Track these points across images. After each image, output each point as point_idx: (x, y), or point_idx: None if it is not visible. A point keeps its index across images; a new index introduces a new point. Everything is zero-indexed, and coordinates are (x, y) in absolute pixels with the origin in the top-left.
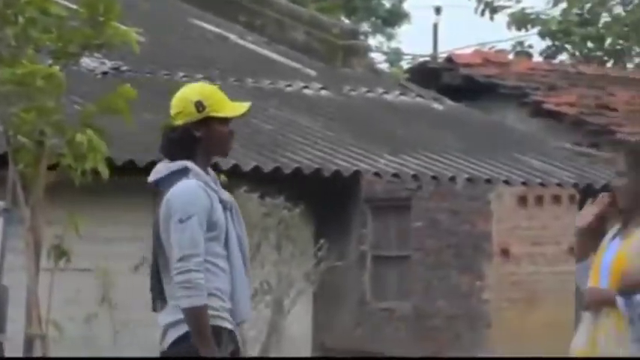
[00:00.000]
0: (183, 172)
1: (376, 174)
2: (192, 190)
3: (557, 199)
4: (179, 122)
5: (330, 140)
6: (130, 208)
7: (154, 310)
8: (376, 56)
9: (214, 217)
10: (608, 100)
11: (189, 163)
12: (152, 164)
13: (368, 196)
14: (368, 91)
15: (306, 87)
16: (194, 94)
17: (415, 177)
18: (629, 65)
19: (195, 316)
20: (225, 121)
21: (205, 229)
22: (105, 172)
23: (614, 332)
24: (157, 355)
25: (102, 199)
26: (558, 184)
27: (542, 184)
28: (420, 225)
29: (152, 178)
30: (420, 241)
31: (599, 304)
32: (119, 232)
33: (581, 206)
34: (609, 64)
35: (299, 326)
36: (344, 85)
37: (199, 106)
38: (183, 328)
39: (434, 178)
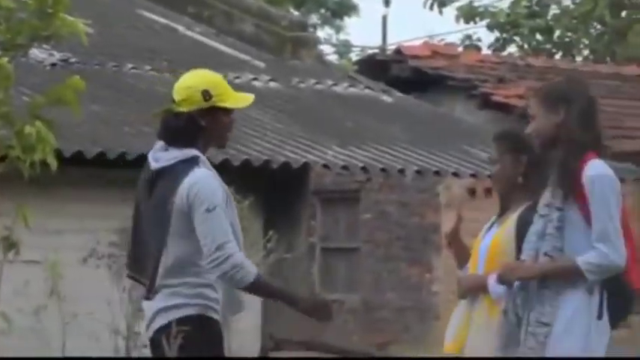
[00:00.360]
0: (194, 161)
1: (325, 166)
2: (212, 180)
3: None
4: (184, 109)
5: (279, 132)
6: (79, 200)
7: (147, 298)
8: (325, 48)
9: (226, 208)
10: None
11: (198, 152)
12: (101, 155)
13: (317, 188)
14: (317, 83)
15: (255, 79)
16: (201, 83)
17: (364, 169)
18: (578, 58)
19: (258, 288)
20: (229, 111)
21: None
22: (54, 163)
23: (485, 319)
24: (101, 345)
25: (51, 191)
26: None
27: (490, 177)
28: (369, 217)
29: (157, 165)
30: (369, 233)
31: (473, 290)
32: (68, 224)
33: None
34: (558, 57)
35: (249, 318)
36: (293, 77)
37: (206, 94)
38: (171, 315)
39: (383, 170)
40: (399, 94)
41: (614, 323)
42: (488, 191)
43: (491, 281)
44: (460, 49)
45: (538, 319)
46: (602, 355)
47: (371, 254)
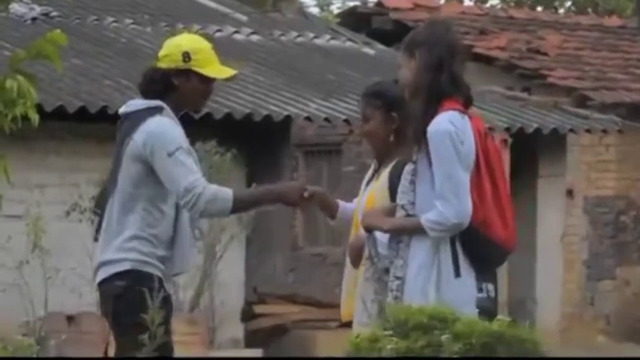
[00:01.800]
0: (157, 110)
1: (307, 118)
2: (171, 125)
3: None
4: (163, 65)
5: (261, 85)
6: (61, 154)
7: (95, 239)
8: (306, 1)
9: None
10: (539, 44)
11: (164, 104)
12: (82, 110)
13: (299, 140)
14: (299, 36)
15: (236, 32)
16: (187, 44)
17: (346, 121)
18: (560, 10)
19: (241, 207)
20: (205, 80)
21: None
22: (35, 118)
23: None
24: (83, 300)
25: (32, 146)
26: (490, 128)
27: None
28: (351, 169)
29: (124, 109)
30: (352, 185)
31: (358, 251)
32: (50, 178)
33: (513, 150)
34: (540, 8)
35: (231, 272)
36: (274, 30)
37: (186, 56)
38: (112, 269)
39: None
40: (380, 46)
41: (481, 278)
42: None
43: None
44: (442, 1)
45: (394, 273)
46: (470, 308)
47: None
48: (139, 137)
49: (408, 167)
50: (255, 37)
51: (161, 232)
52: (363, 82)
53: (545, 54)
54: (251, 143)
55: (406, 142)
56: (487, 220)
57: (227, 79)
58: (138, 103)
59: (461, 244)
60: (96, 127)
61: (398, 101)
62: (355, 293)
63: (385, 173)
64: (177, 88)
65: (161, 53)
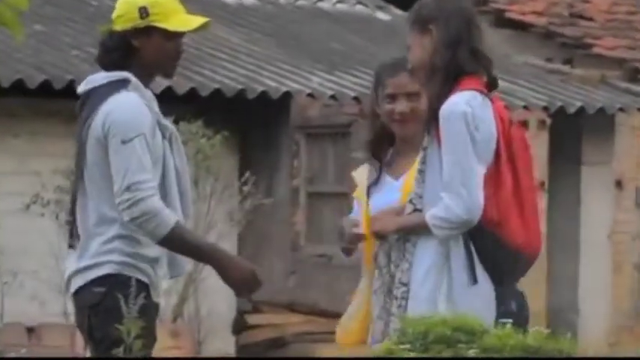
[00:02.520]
0: (122, 84)
1: (310, 95)
2: (135, 105)
3: (523, 125)
4: (118, 27)
5: (255, 56)
6: (21, 137)
7: (71, 246)
8: None
9: (153, 143)
10: (583, 7)
11: (129, 75)
12: (45, 85)
13: (300, 121)
14: None
15: None
16: None
17: (356, 99)
18: None
19: (174, 244)
20: (171, 35)
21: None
22: None
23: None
24: (46, 309)
25: None
26: (525, 107)
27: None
28: (361, 156)
29: (83, 87)
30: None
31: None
32: (7, 164)
33: (552, 133)
34: None
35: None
36: None
37: (143, 11)
38: (91, 274)
39: None
40: (396, 10)
41: (500, 286)
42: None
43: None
44: None
45: (400, 278)
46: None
47: None
48: (99, 119)
49: (420, 153)
50: (248, 0)
51: None
52: (375, 54)
53: (591, 19)
54: (244, 124)
55: None
56: (503, 221)
57: (197, 30)
58: (98, 78)
59: (475, 247)
60: (61, 104)
61: None
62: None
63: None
64: (138, 50)
65: (115, 14)
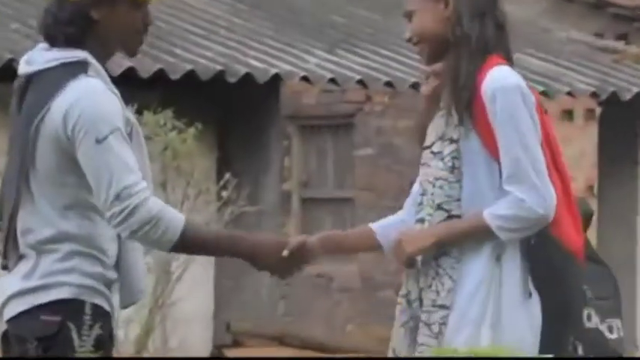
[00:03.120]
0: (80, 67)
1: (305, 79)
2: (102, 94)
3: (568, 114)
4: None
5: (238, 31)
6: None
7: (4, 267)
8: None
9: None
10: None
11: (87, 55)
12: None
13: (293, 111)
14: None
15: None
16: None
17: (361, 83)
18: None
19: (190, 247)
20: (137, 4)
21: None
22: None
23: None
24: None
25: None
26: (569, 94)
27: (545, 94)
28: (368, 153)
29: (25, 69)
30: (369, 176)
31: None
32: None
33: (603, 125)
34: None
35: (194, 300)
36: None
37: None
38: (32, 299)
39: (388, 84)
40: None
41: (546, 302)
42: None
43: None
44: None
45: (434, 301)
46: (533, 349)
47: (371, 207)
48: (56, 113)
49: (446, 148)
50: None
51: (109, 246)
52: (384, 28)
53: None
54: (223, 115)
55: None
56: (558, 218)
57: None
58: (45, 57)
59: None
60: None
61: None
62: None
63: None
64: (97, 23)
65: None
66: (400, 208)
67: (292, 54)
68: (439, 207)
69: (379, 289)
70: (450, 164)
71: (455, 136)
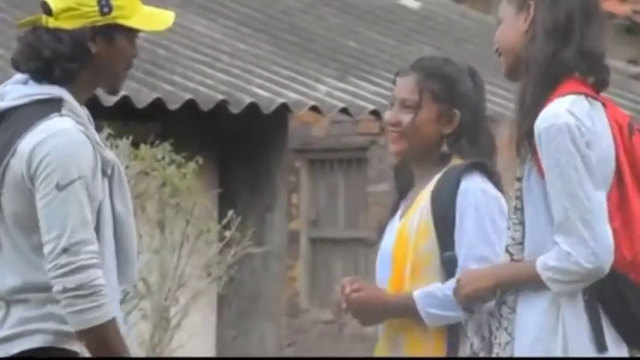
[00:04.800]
0: (54, 105)
1: (314, 108)
2: (73, 137)
3: None
4: (66, 25)
5: (241, 57)
6: None
7: None
8: None
9: (93, 185)
10: None
11: (62, 92)
12: None
13: (301, 144)
14: None
15: None
16: None
17: (375, 113)
18: None
19: (103, 337)
20: (133, 35)
21: None
22: None
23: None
24: None
25: None
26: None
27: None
28: (383, 189)
29: (1, 105)
30: (384, 214)
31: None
32: None
33: None
34: None
35: (194, 349)
36: None
37: (104, 5)
38: (11, 347)
39: None
40: None
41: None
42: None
43: (420, 298)
44: None
45: (497, 354)
46: None
47: None
48: (21, 156)
49: (513, 185)
50: None
51: None
52: (401, 54)
53: None
54: (226, 148)
55: (466, 155)
56: (638, 260)
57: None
58: (20, 94)
59: (599, 300)
60: None
61: (467, 96)
62: None
63: (424, 194)
64: (92, 58)
65: (58, 5)
66: None
67: (300, 82)
68: (507, 250)
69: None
70: (513, 204)
71: (518, 174)
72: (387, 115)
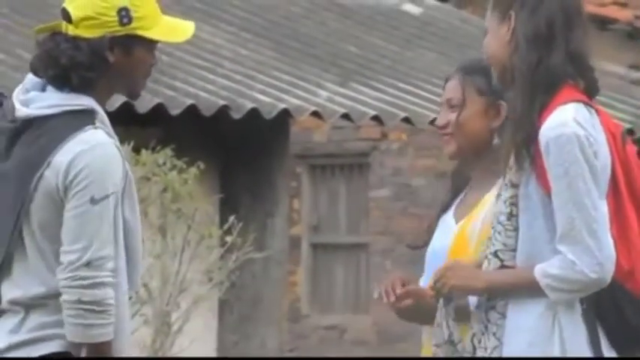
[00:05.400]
0: (88, 117)
1: (315, 114)
2: (110, 151)
3: None
4: (85, 34)
5: (243, 62)
6: None
7: None
8: None
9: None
10: None
11: (93, 103)
12: None
13: (303, 149)
14: None
15: None
16: None
17: (377, 119)
18: None
19: (102, 352)
20: (152, 45)
21: None
22: None
23: None
24: None
25: None
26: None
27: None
28: (384, 195)
29: (27, 112)
30: (385, 220)
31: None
32: None
33: None
34: None
35: (196, 353)
36: None
37: (124, 15)
38: (23, 353)
39: (406, 120)
40: (431, 0)
41: None
42: None
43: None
44: None
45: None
46: None
47: (387, 253)
48: (57, 166)
49: (507, 191)
50: None
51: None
52: (402, 59)
53: None
54: (227, 153)
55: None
56: (636, 270)
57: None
58: (49, 102)
59: (595, 309)
60: None
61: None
62: None
63: (487, 200)
64: (111, 67)
65: (78, 15)
66: (416, 255)
67: (302, 87)
68: (495, 254)
69: (396, 342)
70: (507, 210)
71: (514, 180)
72: (437, 120)
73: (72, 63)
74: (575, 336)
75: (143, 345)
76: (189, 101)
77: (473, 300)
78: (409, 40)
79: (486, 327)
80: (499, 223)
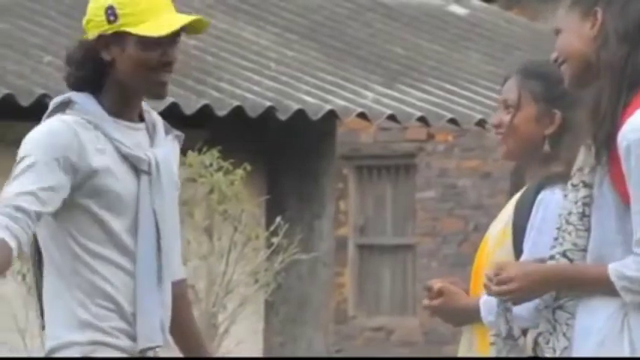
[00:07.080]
0: (61, 107)
1: (361, 115)
2: (48, 125)
3: None
4: (89, 35)
5: (288, 64)
6: None
7: (44, 327)
8: None
9: (85, 170)
10: None
11: (79, 96)
12: (7, 100)
13: (349, 150)
14: None
15: None
16: None
17: (423, 121)
18: None
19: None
20: (147, 42)
21: (68, 187)
22: None
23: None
24: None
25: None
26: None
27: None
28: (431, 196)
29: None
30: (431, 221)
31: (461, 317)
32: None
33: None
34: None
35: (242, 354)
36: None
37: (110, 13)
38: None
39: (453, 121)
40: (477, 1)
41: None
42: None
43: (482, 301)
44: None
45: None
46: None
47: (433, 254)
48: None
49: (580, 191)
50: None
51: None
52: (448, 60)
53: None
54: (274, 154)
55: (566, 155)
56: None
57: (195, 32)
58: (54, 100)
59: None
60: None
61: (569, 96)
62: None
63: (513, 202)
64: (111, 65)
65: (84, 19)
66: (462, 256)
67: (348, 88)
68: (564, 254)
69: (443, 344)
70: (580, 210)
71: (587, 180)
72: (491, 118)
73: (69, 63)
74: None
75: None
76: (236, 102)
77: (538, 300)
78: (455, 41)
79: (554, 327)
80: (569, 223)
